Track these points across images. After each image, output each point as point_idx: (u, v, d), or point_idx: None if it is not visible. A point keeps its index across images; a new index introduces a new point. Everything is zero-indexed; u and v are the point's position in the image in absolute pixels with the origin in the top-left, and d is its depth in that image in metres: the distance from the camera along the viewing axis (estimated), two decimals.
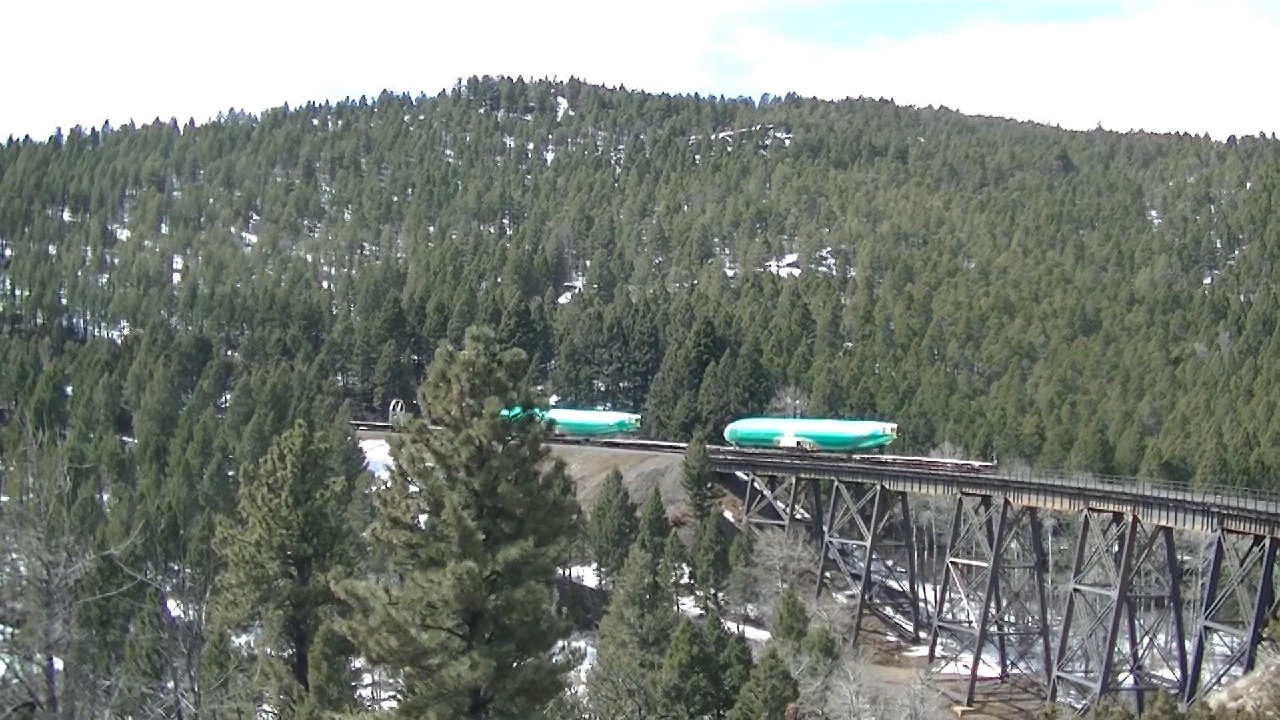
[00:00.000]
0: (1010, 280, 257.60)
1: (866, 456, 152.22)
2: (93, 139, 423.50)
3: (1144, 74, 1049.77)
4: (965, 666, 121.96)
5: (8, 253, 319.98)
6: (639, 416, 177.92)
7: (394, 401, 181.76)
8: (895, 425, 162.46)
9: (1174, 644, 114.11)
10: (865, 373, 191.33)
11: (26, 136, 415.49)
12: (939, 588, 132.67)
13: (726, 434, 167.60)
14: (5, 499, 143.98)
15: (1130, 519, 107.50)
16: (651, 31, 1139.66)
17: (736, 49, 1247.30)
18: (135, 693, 44.21)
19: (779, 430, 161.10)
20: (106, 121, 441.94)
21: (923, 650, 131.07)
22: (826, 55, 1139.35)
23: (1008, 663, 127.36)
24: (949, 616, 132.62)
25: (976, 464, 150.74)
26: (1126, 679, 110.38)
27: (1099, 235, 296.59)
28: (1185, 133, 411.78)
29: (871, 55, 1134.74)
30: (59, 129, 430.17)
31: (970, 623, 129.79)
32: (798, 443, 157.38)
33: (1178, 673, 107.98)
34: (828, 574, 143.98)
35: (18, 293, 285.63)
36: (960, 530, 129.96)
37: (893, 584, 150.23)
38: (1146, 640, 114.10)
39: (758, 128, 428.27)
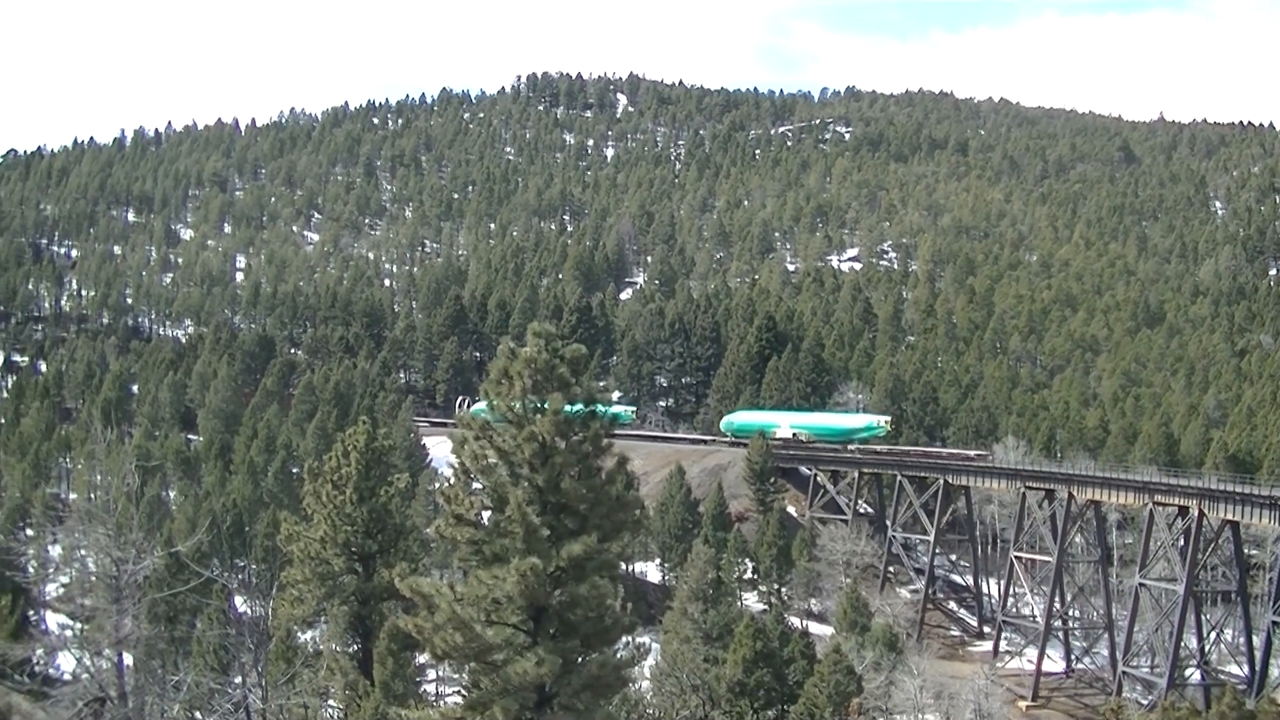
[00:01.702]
0: (1072, 273, 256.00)
1: (927, 451, 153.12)
2: (156, 140, 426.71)
3: (1206, 64, 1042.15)
4: (1029, 661, 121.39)
5: (74, 254, 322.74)
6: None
7: (461, 399, 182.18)
8: (889, 418, 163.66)
9: (1241, 639, 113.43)
10: (927, 367, 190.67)
11: (91, 139, 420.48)
12: (1003, 582, 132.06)
13: (722, 426, 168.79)
14: (74, 496, 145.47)
15: (1196, 513, 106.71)
16: (707, 26, 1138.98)
17: (792, 43, 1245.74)
18: (203, 688, 44.62)
19: (775, 422, 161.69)
20: (169, 123, 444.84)
21: (987, 645, 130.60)
22: (883, 48, 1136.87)
23: (1072, 658, 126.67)
24: (1013, 611, 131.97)
25: (971, 453, 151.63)
26: (1193, 674, 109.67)
27: (1162, 227, 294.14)
28: (1249, 122, 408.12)
29: (929, 48, 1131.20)
30: (123, 131, 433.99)
31: (1034, 617, 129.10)
32: (793, 434, 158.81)
33: (1245, 668, 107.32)
34: (891, 569, 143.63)
35: (84, 293, 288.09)
36: (1024, 524, 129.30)
37: (956, 578, 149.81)
38: (1213, 635, 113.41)
39: (817, 122, 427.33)
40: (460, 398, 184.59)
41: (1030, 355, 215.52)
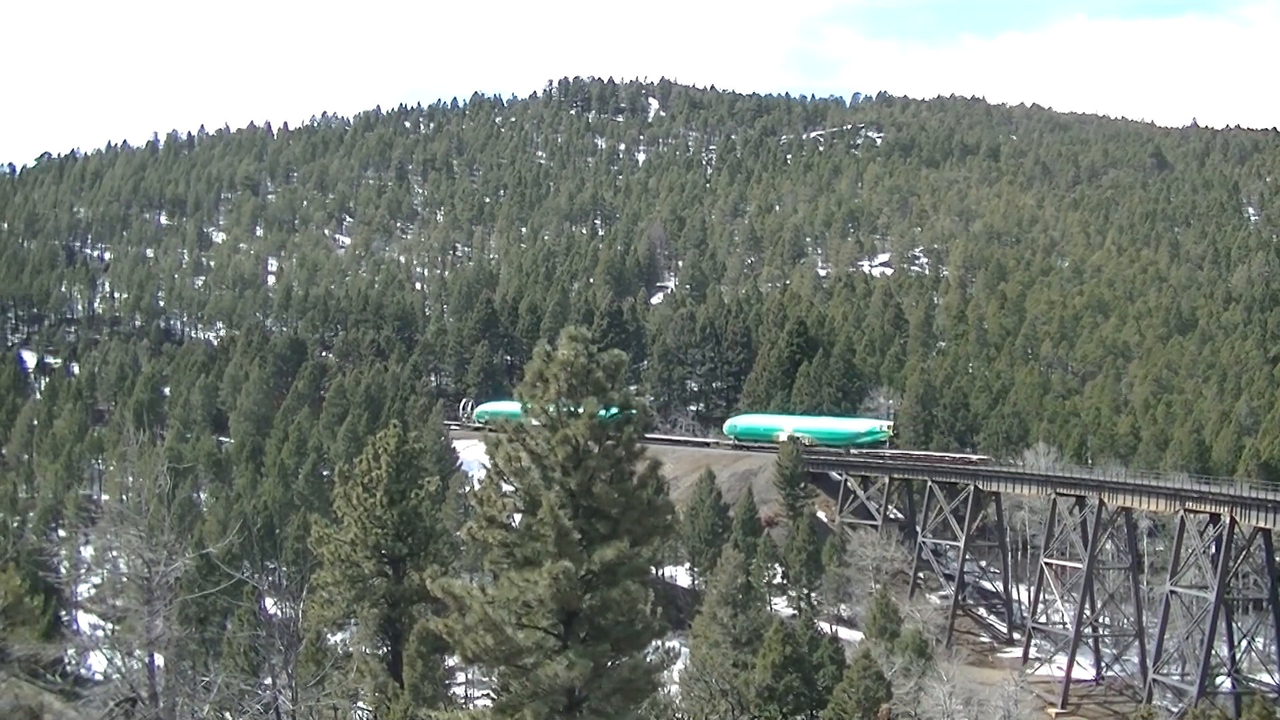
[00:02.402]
0: (1104, 279, 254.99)
1: (959, 457, 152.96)
2: (189, 144, 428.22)
3: (1239, 69, 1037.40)
4: (1059, 668, 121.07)
5: (107, 256, 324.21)
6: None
7: (464, 400, 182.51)
8: (892, 423, 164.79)
9: (1272, 647, 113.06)
10: (958, 372, 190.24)
11: (124, 142, 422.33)
12: (1033, 588, 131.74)
13: (725, 429, 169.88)
14: (106, 498, 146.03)
15: (1228, 520, 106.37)
16: (739, 31, 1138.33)
17: (823, 47, 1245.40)
18: (234, 689, 44.78)
19: (778, 426, 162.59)
20: (202, 126, 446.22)
21: (1017, 652, 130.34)
22: (914, 53, 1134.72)
23: (1102, 665, 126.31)
24: (1043, 618, 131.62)
25: (974, 457, 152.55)
26: (1224, 682, 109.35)
27: (1194, 233, 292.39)
28: None
29: (960, 53, 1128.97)
30: (155, 134, 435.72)
31: (1065, 624, 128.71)
32: (796, 438, 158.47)
33: (1276, 677, 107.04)
34: (921, 574, 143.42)
35: (117, 295, 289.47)
36: (1054, 531, 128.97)
37: (986, 585, 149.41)
38: (1244, 643, 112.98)
39: (849, 127, 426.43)
40: (465, 400, 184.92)
41: (1062, 361, 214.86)
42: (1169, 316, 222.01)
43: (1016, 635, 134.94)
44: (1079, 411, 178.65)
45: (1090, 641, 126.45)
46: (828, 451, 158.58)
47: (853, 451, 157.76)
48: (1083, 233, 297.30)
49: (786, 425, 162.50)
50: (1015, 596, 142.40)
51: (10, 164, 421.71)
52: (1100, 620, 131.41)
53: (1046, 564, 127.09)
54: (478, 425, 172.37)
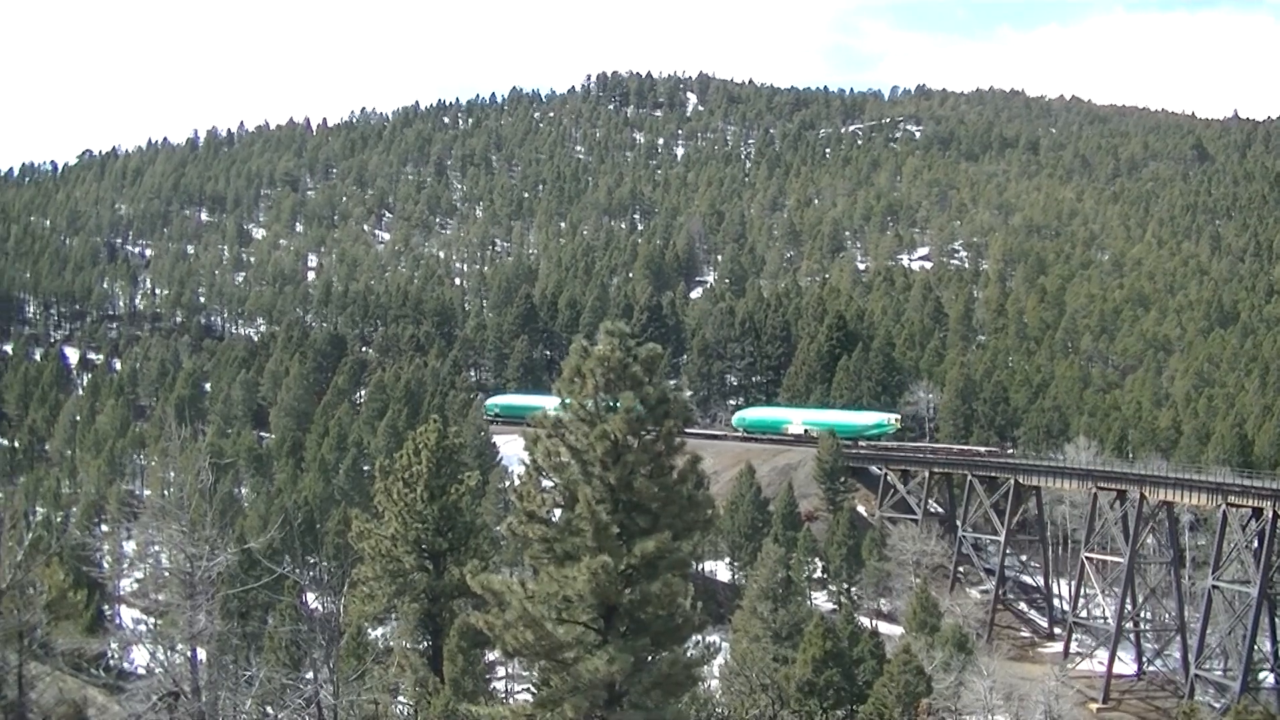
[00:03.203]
0: (1145, 272, 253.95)
1: (968, 449, 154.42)
2: (228, 140, 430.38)
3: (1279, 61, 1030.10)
4: (1100, 663, 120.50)
5: (148, 253, 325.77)
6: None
7: (479, 396, 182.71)
8: (899, 415, 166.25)
9: None
10: (998, 366, 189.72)
11: (165, 139, 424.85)
12: (1074, 583, 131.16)
13: (734, 422, 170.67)
14: (148, 493, 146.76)
15: (1270, 514, 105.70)
16: (776, 25, 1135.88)
17: (860, 41, 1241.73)
18: (275, 683, 44.93)
19: (787, 419, 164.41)
20: (241, 123, 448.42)
21: (1057, 646, 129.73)
22: (952, 46, 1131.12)
23: (1144, 660, 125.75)
24: (1084, 613, 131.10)
25: (982, 449, 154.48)
26: (1266, 678, 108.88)
27: (1236, 225, 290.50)
28: None
29: (998, 46, 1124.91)
30: (196, 131, 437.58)
31: (1106, 619, 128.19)
32: (805, 430, 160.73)
33: None
34: (961, 569, 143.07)
35: (158, 292, 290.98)
36: (1095, 525, 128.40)
37: (1026, 579, 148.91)
38: None
39: (887, 120, 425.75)
40: (481, 395, 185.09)
41: (1102, 355, 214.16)
42: (1210, 310, 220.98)
43: (1057, 630, 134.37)
44: (1120, 405, 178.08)
45: (1132, 637, 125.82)
46: (868, 446, 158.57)
47: (860, 444, 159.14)
48: (1123, 225, 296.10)
49: (795, 418, 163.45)
50: (1056, 591, 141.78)
51: (52, 162, 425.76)
52: (1142, 615, 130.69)
53: (1087, 558, 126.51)
54: (489, 418, 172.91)
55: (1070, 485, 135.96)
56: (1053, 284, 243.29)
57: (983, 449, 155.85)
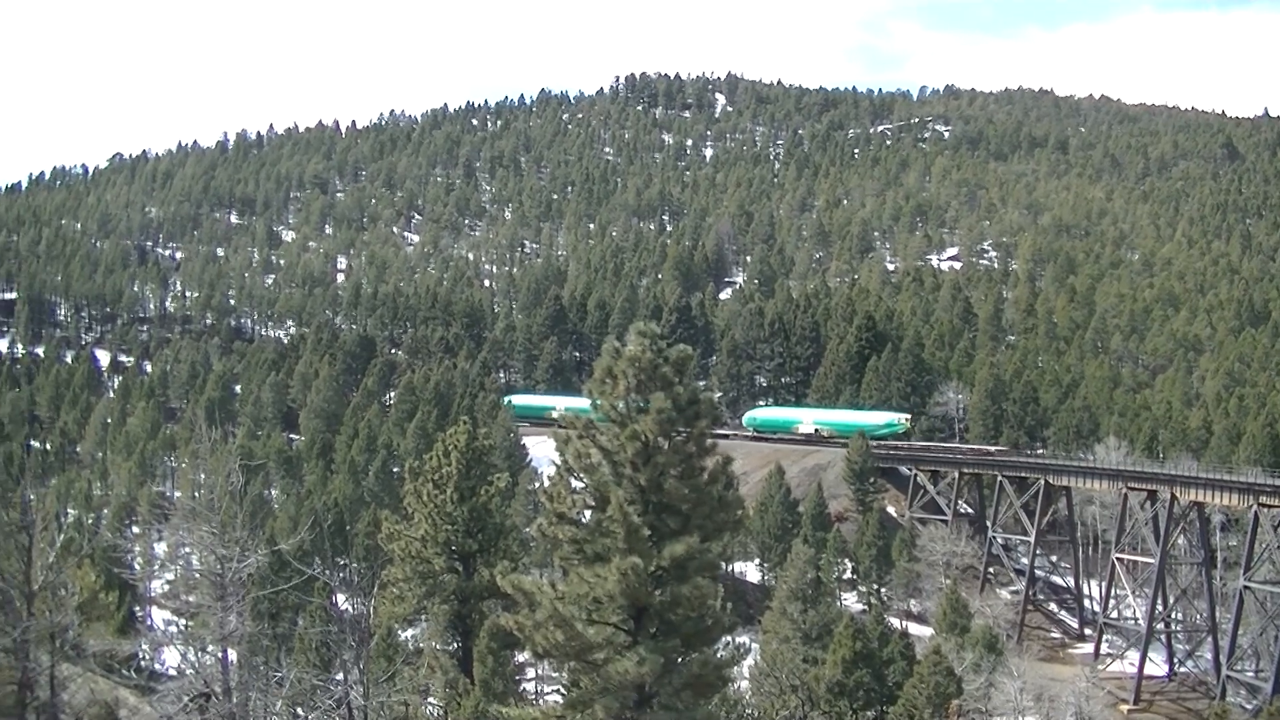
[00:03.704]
0: (1175, 271, 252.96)
1: (946, 446, 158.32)
2: (258, 143, 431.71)
3: None
4: (1131, 664, 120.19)
5: (178, 255, 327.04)
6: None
7: (505, 398, 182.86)
8: (908, 415, 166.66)
9: None
10: (1028, 366, 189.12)
11: (194, 142, 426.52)
12: (1104, 584, 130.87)
13: (745, 421, 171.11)
14: (179, 495, 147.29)
15: None
16: (803, 26, 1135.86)
17: (888, 41, 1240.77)
18: (305, 684, 45.09)
19: (797, 418, 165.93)
20: (271, 126, 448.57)
21: (1088, 647, 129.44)
22: (979, 46, 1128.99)
23: (1175, 661, 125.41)
24: (1114, 613, 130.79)
25: (991, 449, 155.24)
26: None
27: (1267, 224, 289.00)
28: None
29: (1025, 45, 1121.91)
30: (225, 134, 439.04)
31: (1136, 620, 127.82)
32: (815, 430, 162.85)
33: None
34: (991, 569, 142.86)
35: (188, 294, 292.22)
36: (1126, 526, 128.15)
37: (1057, 580, 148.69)
38: None
39: (916, 120, 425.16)
40: (505, 398, 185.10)
41: (1132, 355, 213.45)
42: (1241, 309, 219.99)
43: (1088, 631, 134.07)
44: (1150, 405, 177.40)
45: (1163, 637, 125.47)
46: (896, 446, 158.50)
47: (872, 442, 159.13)
48: (1153, 225, 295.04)
49: (805, 417, 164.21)
50: (1086, 592, 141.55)
51: (83, 165, 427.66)
52: (1173, 616, 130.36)
53: (1118, 559, 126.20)
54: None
55: (1100, 485, 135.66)
56: (1082, 284, 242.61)
57: (992, 448, 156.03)
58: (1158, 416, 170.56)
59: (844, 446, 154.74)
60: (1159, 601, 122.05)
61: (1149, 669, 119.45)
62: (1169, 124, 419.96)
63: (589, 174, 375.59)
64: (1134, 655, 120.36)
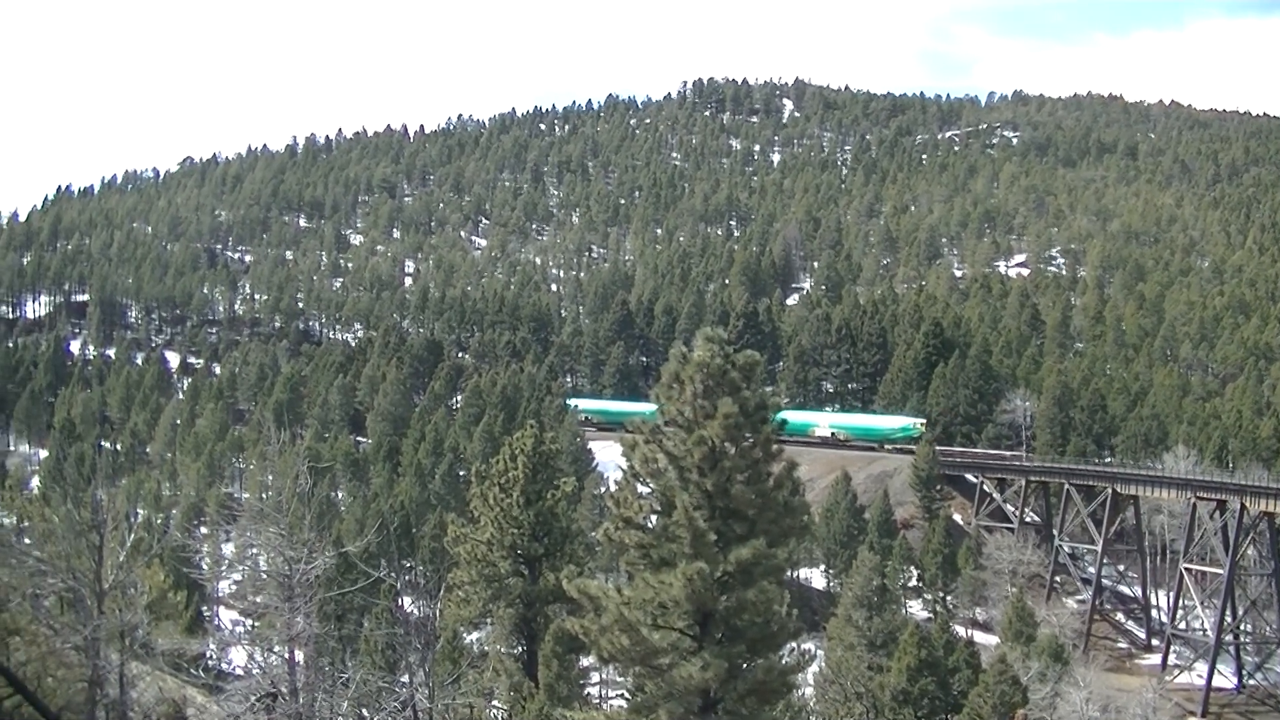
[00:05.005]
0: (1245, 279, 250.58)
1: (965, 451, 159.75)
2: (326, 147, 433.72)
3: None
4: (1200, 676, 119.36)
5: (247, 259, 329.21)
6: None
7: (573, 402, 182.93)
8: (924, 420, 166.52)
9: None
10: (1096, 374, 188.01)
11: (264, 146, 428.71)
12: (1172, 594, 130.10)
13: None
14: (247, 496, 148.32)
15: None
16: (870, 31, 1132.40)
17: (954, 47, 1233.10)
18: (371, 686, 45.27)
19: (814, 421, 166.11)
20: (339, 130, 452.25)
21: (1155, 658, 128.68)
22: (1046, 52, 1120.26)
23: (1244, 673, 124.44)
24: (1182, 624, 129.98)
25: (1007, 454, 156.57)
26: None
27: None
28: None
29: (1094, 51, 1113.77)
30: (295, 138, 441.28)
31: (1205, 631, 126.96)
32: (832, 434, 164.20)
33: None
34: (1057, 578, 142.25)
35: (257, 297, 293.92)
36: (1194, 535, 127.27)
37: (1124, 589, 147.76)
38: None
39: (984, 126, 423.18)
40: (573, 402, 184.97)
41: (1201, 363, 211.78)
42: None
43: (1155, 641, 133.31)
44: (1220, 414, 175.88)
45: (1231, 649, 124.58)
46: (964, 454, 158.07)
47: (886, 447, 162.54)
48: (1223, 232, 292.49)
49: (823, 421, 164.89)
50: (1154, 602, 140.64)
51: (154, 169, 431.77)
52: (1242, 627, 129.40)
53: (1186, 569, 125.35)
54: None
55: (1169, 495, 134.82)
56: (1151, 291, 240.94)
57: (1008, 454, 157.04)
58: (1227, 425, 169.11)
59: (909, 453, 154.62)
60: (1228, 612, 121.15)
61: (1217, 681, 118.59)
62: (1240, 130, 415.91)
63: (656, 179, 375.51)
64: (1202, 667, 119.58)
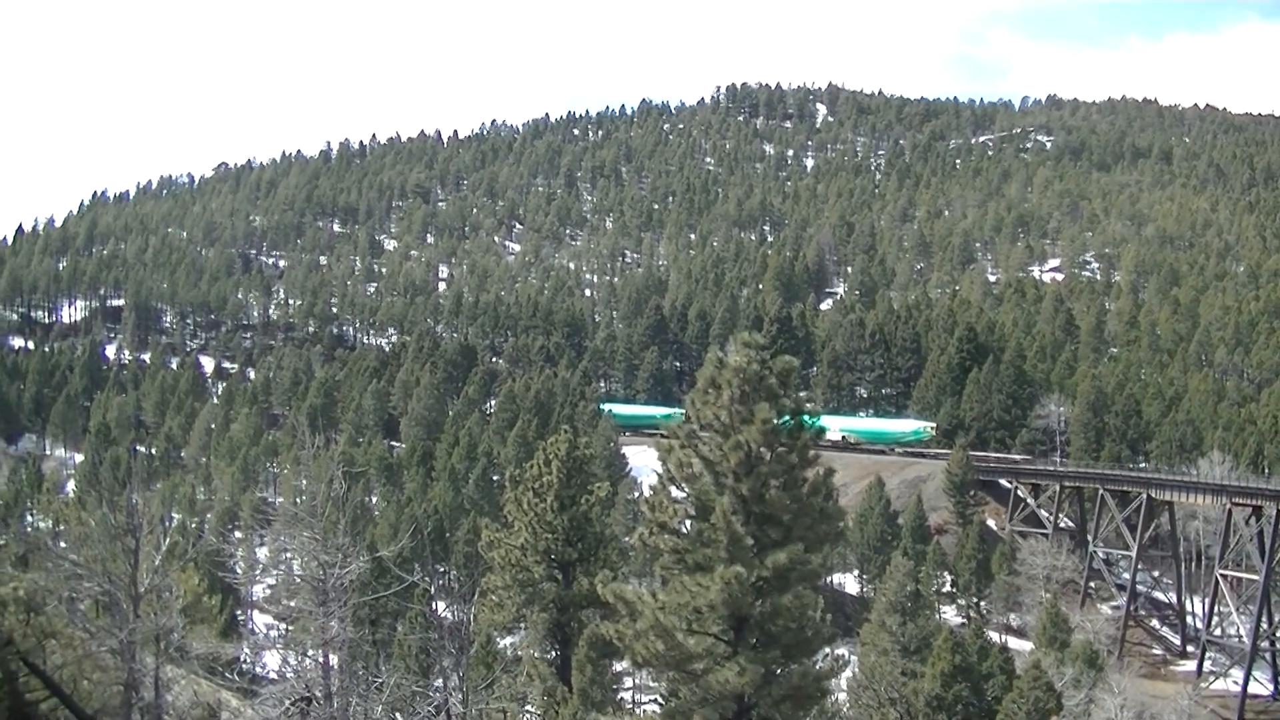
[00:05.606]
0: None
1: (1001, 456, 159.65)
2: (360, 153, 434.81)
3: None
4: (1235, 683, 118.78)
5: (281, 264, 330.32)
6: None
7: (606, 407, 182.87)
8: (934, 424, 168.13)
9: None
10: (1130, 379, 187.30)
11: (298, 152, 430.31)
12: (1207, 600, 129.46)
13: None
14: (281, 500, 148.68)
15: None
16: (903, 36, 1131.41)
17: (987, 51, 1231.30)
18: (405, 690, 45.36)
19: (825, 425, 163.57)
20: (373, 135, 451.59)
21: (1190, 665, 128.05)
22: (1079, 56, 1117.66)
23: None
24: (1218, 631, 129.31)
25: (1017, 457, 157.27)
26: None
27: None
28: None
29: (1128, 55, 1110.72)
30: (328, 144, 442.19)
31: (1240, 638, 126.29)
32: (843, 437, 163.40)
33: None
34: (1092, 584, 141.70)
35: (291, 302, 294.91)
36: (1230, 541, 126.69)
37: (1159, 595, 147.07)
38: None
39: (1018, 130, 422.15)
40: (607, 407, 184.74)
41: (1237, 368, 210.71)
42: None
43: (1190, 648, 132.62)
44: (1255, 419, 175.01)
45: (1267, 656, 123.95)
46: (998, 459, 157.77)
47: (896, 449, 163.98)
48: (1259, 236, 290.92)
49: (833, 424, 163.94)
50: (1189, 608, 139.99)
51: (189, 174, 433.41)
52: (1278, 634, 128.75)
53: (1221, 575, 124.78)
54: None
55: (1204, 500, 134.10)
56: (1186, 295, 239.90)
57: (1018, 457, 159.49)
58: (1263, 431, 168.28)
59: (943, 459, 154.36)
60: (1264, 619, 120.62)
61: (1253, 688, 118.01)
62: (1276, 133, 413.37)
63: (690, 184, 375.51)
64: (1238, 674, 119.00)
